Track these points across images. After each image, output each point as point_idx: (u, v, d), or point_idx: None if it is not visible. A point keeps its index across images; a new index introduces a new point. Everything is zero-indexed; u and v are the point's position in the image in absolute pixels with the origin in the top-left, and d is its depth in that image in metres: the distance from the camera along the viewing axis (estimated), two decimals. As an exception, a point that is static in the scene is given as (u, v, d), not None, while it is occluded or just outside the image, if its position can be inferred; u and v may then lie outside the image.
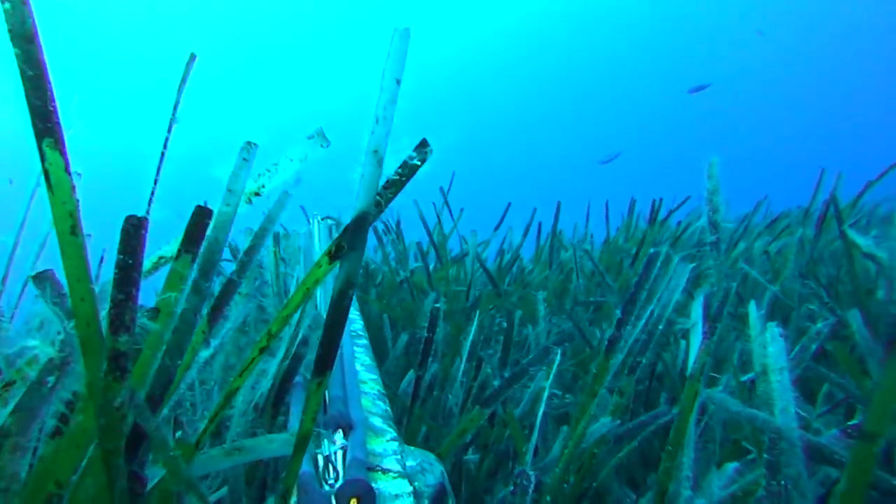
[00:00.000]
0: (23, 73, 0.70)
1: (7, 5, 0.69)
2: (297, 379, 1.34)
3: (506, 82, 51.81)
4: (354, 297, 1.34)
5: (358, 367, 1.45)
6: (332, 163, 1.16)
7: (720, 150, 1.88)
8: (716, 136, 50.43)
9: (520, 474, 1.25)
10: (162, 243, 1.27)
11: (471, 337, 2.06)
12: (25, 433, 0.80)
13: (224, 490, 1.35)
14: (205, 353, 1.14)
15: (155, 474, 0.95)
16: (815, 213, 3.58)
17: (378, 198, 0.81)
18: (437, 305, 1.78)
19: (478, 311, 2.29)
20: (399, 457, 1.06)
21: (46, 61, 0.72)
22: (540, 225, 4.18)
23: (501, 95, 52.76)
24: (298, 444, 0.91)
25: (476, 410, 1.41)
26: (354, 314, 1.89)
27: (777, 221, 4.04)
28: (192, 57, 1.20)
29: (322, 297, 1.67)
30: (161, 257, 1.27)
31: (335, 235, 0.84)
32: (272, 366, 1.34)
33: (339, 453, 1.01)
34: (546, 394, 1.46)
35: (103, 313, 0.78)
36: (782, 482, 1.00)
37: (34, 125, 0.72)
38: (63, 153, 0.75)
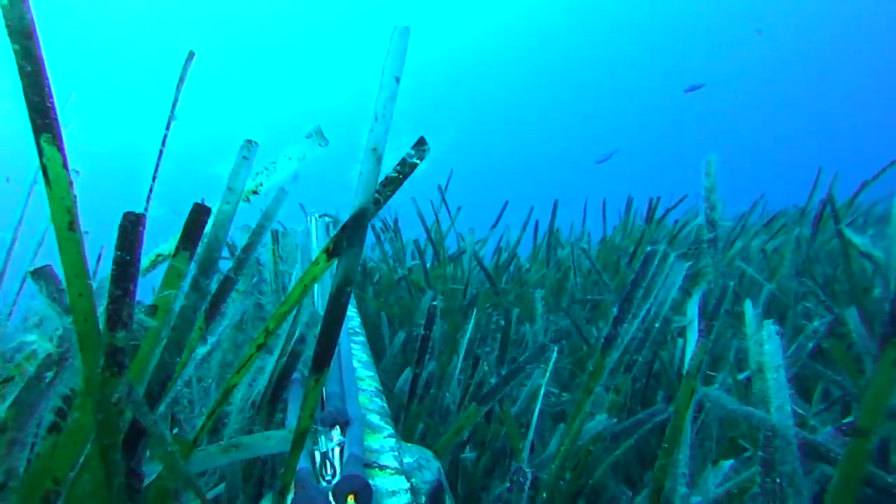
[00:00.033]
0: (21, 69, 0.70)
1: (5, 1, 0.69)
2: (295, 376, 1.35)
3: (504, 81, 51.81)
4: (352, 295, 1.34)
5: (355, 364, 1.45)
6: (332, 160, 1.16)
7: (718, 149, 1.88)
8: (713, 135, 50.50)
9: (516, 471, 1.25)
10: (160, 241, 1.27)
11: (468, 335, 2.06)
12: (23, 428, 0.80)
13: (222, 487, 1.35)
14: (202, 350, 1.14)
15: (152, 471, 0.95)
16: (811, 212, 3.58)
17: (377, 195, 0.82)
18: (435, 303, 1.78)
19: (475, 310, 2.29)
20: (396, 453, 1.07)
21: (44, 58, 0.72)
22: (537, 223, 4.18)
23: (499, 94, 52.76)
24: (296, 441, 0.91)
25: (472, 407, 1.41)
26: (352, 311, 1.89)
27: (774, 220, 4.05)
28: (191, 55, 1.20)
29: (320, 295, 1.68)
30: (159, 255, 1.27)
31: (333, 233, 0.84)
32: (270, 363, 1.35)
33: (337, 450, 1.01)
34: (542, 391, 1.46)
35: (101, 309, 0.78)
36: (777, 479, 1.01)
37: (32, 121, 0.72)
38: (61, 149, 0.75)
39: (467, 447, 1.92)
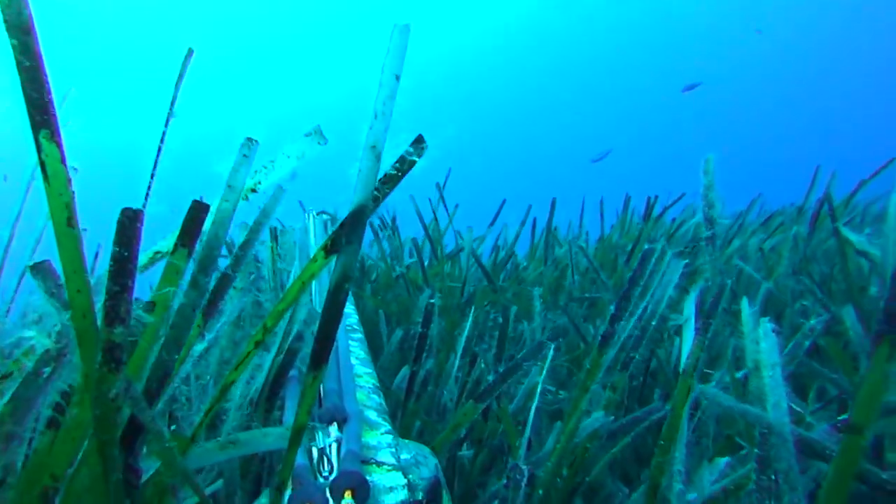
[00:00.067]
0: (19, 65, 0.70)
1: (4, -3, 0.69)
2: (293, 373, 1.35)
3: (502, 79, 51.80)
4: (350, 292, 1.35)
5: (353, 360, 1.45)
6: (332, 159, 1.16)
7: (715, 147, 1.89)
8: (711, 134, 50.53)
9: (513, 468, 1.26)
10: (158, 238, 1.27)
11: (465, 333, 2.07)
12: (21, 423, 0.80)
13: (219, 483, 1.35)
14: (199, 347, 1.14)
15: (150, 467, 0.95)
16: (808, 210, 3.60)
17: (375, 192, 0.82)
18: (432, 301, 1.79)
19: (473, 307, 2.29)
20: (394, 450, 1.07)
21: (42, 54, 0.72)
22: (535, 221, 4.18)
23: (497, 92, 52.75)
24: (293, 437, 0.91)
25: (470, 404, 1.42)
26: (350, 309, 1.89)
27: (771, 219, 4.06)
28: (190, 52, 1.20)
29: (318, 293, 1.68)
30: (157, 252, 1.27)
31: (331, 230, 0.85)
32: (267, 360, 1.35)
33: (334, 446, 1.01)
34: (539, 388, 1.47)
35: (99, 305, 0.78)
36: (773, 476, 1.01)
37: (30, 116, 0.72)
38: (59, 145, 0.75)
39: (464, 445, 1.93)
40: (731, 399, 1.25)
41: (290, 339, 1.31)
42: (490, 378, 1.60)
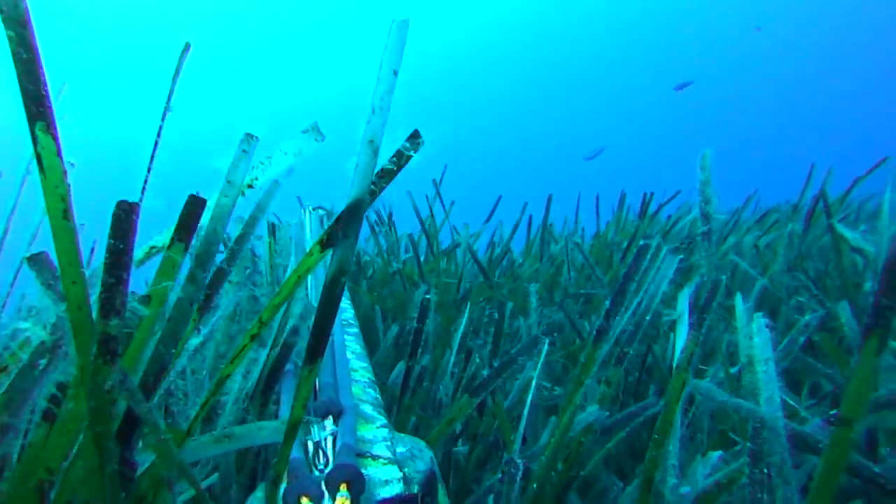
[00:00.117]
0: (16, 57, 0.70)
1: (0, -11, 0.69)
2: (288, 367, 1.35)
3: (498, 76, 51.76)
4: (346, 287, 1.35)
5: (349, 355, 1.45)
6: (329, 154, 1.17)
7: (712, 145, 1.90)
8: (707, 132, 50.62)
9: (508, 462, 1.26)
10: (154, 234, 1.27)
11: (461, 329, 2.07)
12: (17, 415, 0.80)
13: (215, 477, 1.35)
14: (195, 341, 1.14)
15: (146, 460, 0.95)
16: (804, 208, 3.61)
17: (372, 186, 0.82)
18: (428, 297, 1.79)
19: (469, 303, 2.30)
20: (389, 443, 1.07)
21: (39, 46, 0.72)
22: (531, 218, 4.19)
23: (493, 89, 52.72)
24: (289, 431, 0.92)
25: (465, 399, 1.42)
26: (346, 303, 1.89)
27: (766, 216, 4.07)
28: (187, 46, 1.20)
29: (314, 288, 1.68)
30: (153, 247, 1.27)
31: (327, 226, 0.85)
32: (263, 354, 1.35)
33: (330, 439, 1.01)
34: (534, 383, 1.47)
35: (95, 298, 0.78)
36: (765, 470, 1.02)
37: (27, 109, 0.73)
38: (55, 137, 0.75)
39: (459, 441, 1.93)
40: (724, 394, 1.26)
41: (286, 333, 1.31)
42: (485, 372, 1.60)
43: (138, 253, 1.25)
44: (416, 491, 0.97)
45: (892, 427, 1.32)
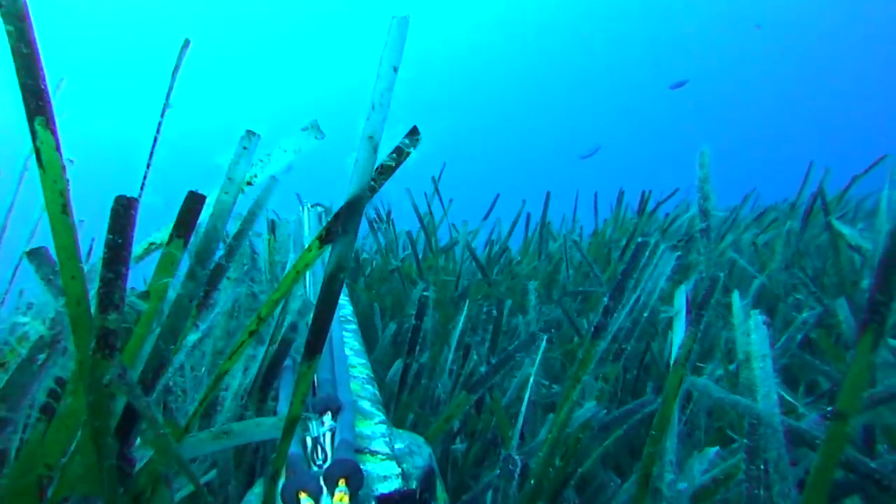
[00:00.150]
0: (15, 51, 0.70)
1: (-1, -16, 0.69)
2: (287, 363, 1.35)
3: (497, 73, 51.74)
4: (344, 284, 1.35)
5: (347, 351, 1.46)
6: (328, 152, 1.17)
7: (710, 143, 1.90)
8: (705, 130, 50.63)
9: (506, 458, 1.26)
10: (153, 231, 1.28)
11: (459, 326, 2.07)
12: (16, 410, 0.80)
13: (213, 473, 1.35)
14: (193, 337, 1.14)
15: (144, 456, 0.95)
16: (801, 206, 3.61)
17: (372, 182, 0.82)
18: (426, 294, 1.79)
19: (467, 301, 2.30)
20: (387, 439, 1.07)
21: (37, 41, 0.72)
22: (529, 215, 4.19)
23: (493, 86, 52.70)
24: (288, 427, 0.92)
25: (462, 395, 1.42)
26: (344, 300, 1.89)
27: (765, 214, 4.08)
28: (186, 43, 1.20)
29: (312, 285, 1.68)
30: (152, 243, 1.27)
31: (325, 222, 0.85)
32: (262, 350, 1.35)
33: (328, 435, 1.02)
34: (532, 380, 1.47)
35: (94, 292, 0.78)
36: (762, 466, 1.02)
37: (26, 104, 0.73)
38: (54, 132, 0.75)
39: (458, 439, 1.93)
40: (721, 390, 1.26)
41: (285, 329, 1.31)
42: (483, 370, 1.61)
43: (137, 249, 1.25)
44: (414, 487, 0.97)
45: (889, 423, 1.33)
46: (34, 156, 0.75)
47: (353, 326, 1.69)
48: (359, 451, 1.02)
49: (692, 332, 1.17)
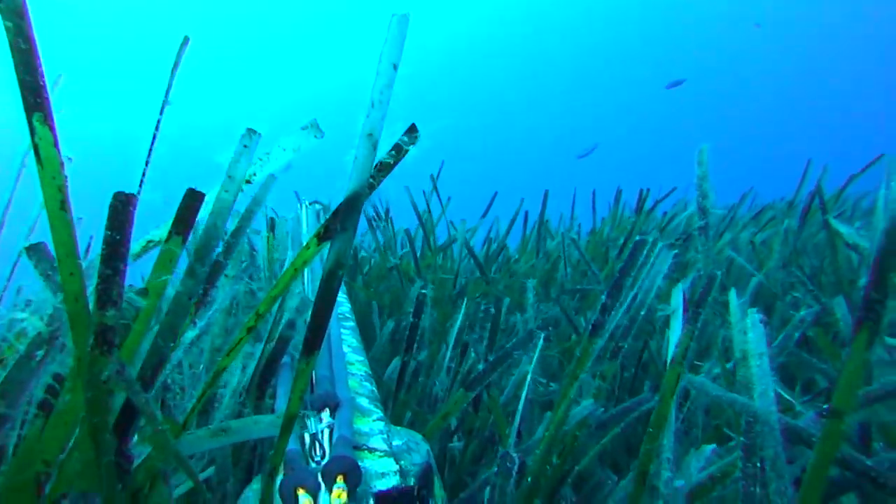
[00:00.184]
0: (14, 47, 0.70)
1: (-3, -20, 0.69)
2: (285, 360, 1.35)
3: (496, 71, 51.71)
4: (343, 281, 1.35)
5: (345, 348, 1.46)
6: (327, 150, 1.17)
7: (708, 142, 1.90)
8: (703, 129, 50.65)
9: (503, 456, 1.27)
10: (151, 228, 1.28)
11: (457, 324, 2.08)
12: (14, 406, 0.80)
13: (211, 470, 1.35)
14: (191, 335, 1.14)
15: (142, 452, 0.95)
16: (799, 204, 3.61)
17: (371, 179, 0.82)
18: (424, 291, 1.79)
19: (465, 299, 2.30)
20: (385, 436, 1.08)
21: (36, 37, 0.72)
22: (527, 214, 4.19)
23: (491, 84, 52.68)
24: (286, 424, 0.92)
25: (460, 393, 1.43)
26: (342, 297, 1.89)
27: (762, 213, 4.08)
28: (185, 40, 1.20)
29: (310, 282, 1.68)
30: (150, 240, 1.28)
31: (324, 219, 0.85)
32: (259, 348, 1.35)
33: (326, 431, 1.02)
34: (529, 378, 1.48)
35: (92, 289, 0.78)
36: (758, 463, 1.03)
37: (24, 100, 0.73)
38: (52, 129, 0.75)
39: (455, 436, 1.94)
40: (718, 388, 1.27)
41: (283, 326, 1.31)
42: (481, 367, 1.61)
43: (135, 247, 1.25)
44: (412, 483, 0.97)
45: (885, 421, 1.33)
46: (32, 152, 0.75)
47: (352, 324, 1.69)
48: (357, 447, 1.02)
49: (689, 330, 1.17)
